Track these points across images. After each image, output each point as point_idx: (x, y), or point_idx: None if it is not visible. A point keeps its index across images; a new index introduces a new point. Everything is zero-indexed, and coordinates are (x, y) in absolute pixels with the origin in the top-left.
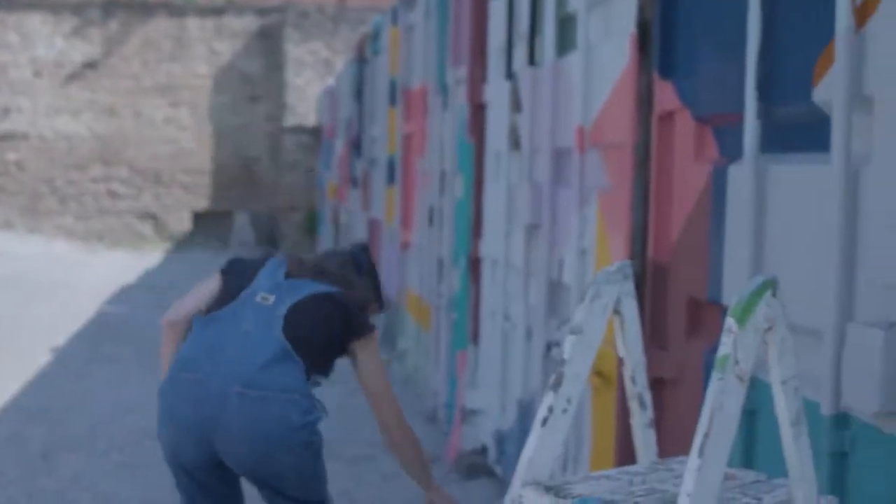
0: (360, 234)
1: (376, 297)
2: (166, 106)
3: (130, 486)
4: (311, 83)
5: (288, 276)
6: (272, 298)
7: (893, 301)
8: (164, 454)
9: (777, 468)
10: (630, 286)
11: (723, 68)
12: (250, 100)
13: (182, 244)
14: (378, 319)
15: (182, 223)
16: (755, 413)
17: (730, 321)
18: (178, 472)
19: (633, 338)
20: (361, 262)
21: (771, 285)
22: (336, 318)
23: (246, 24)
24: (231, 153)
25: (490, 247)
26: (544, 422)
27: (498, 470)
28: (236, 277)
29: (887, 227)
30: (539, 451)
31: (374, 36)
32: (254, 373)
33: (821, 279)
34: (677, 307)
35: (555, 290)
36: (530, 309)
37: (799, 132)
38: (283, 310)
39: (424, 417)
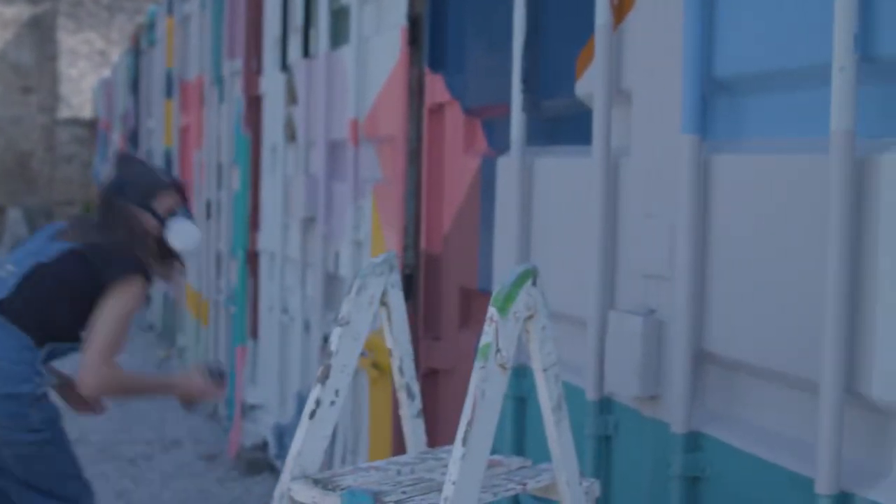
0: None
1: (136, 226)
2: None
3: None
4: (86, 74)
5: (56, 238)
6: (12, 269)
7: (651, 289)
8: None
9: (546, 454)
10: (396, 277)
11: (491, 62)
12: (23, 91)
13: None
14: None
15: None
16: (525, 400)
17: (491, 310)
18: None
19: (400, 329)
20: (112, 201)
21: (531, 274)
22: (77, 274)
23: (17, 12)
24: (3, 146)
25: (267, 240)
26: (312, 415)
27: (279, 464)
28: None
29: (645, 217)
30: (307, 444)
31: (150, 26)
32: None
33: (584, 268)
34: (450, 298)
35: (331, 282)
36: (308, 302)
37: (563, 125)
38: (13, 281)
39: (205, 415)
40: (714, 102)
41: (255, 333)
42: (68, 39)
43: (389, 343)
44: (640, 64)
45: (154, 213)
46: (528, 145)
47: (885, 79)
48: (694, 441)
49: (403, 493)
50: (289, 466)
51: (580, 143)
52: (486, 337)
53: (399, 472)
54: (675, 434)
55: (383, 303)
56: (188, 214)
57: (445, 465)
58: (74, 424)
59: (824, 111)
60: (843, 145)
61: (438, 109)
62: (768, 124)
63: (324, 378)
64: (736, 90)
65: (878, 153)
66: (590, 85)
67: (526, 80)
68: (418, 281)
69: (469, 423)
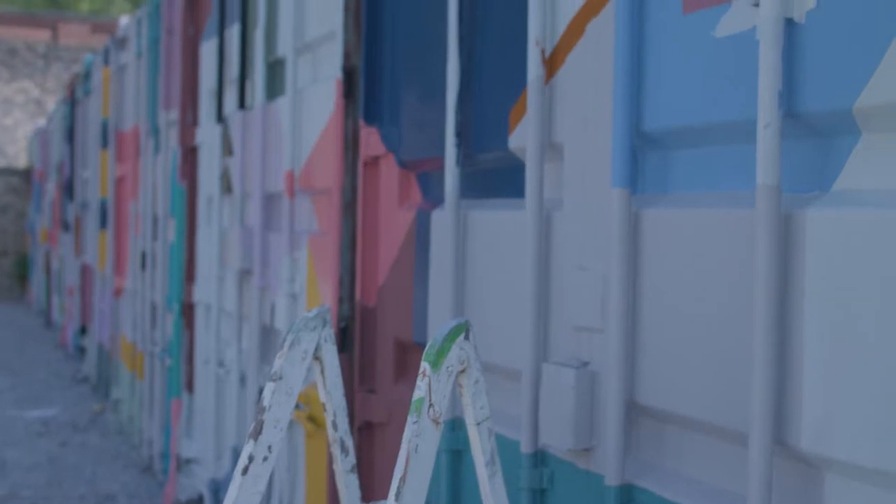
0: (72, 280)
1: None
2: None
3: None
4: (21, 123)
5: None
6: None
7: (584, 342)
8: None
9: None
10: (329, 332)
11: (425, 115)
12: None
13: None
14: None
15: None
16: (460, 453)
17: (424, 365)
18: None
19: (333, 383)
20: None
21: (463, 328)
22: None
23: None
24: None
25: (203, 292)
26: (245, 470)
27: None
28: None
29: (577, 269)
30: (241, 501)
31: (86, 76)
32: None
33: (518, 321)
34: (385, 350)
35: (267, 335)
36: (243, 355)
37: (497, 178)
38: None
39: (140, 468)
40: (644, 156)
41: (190, 386)
42: (3, 88)
43: (323, 397)
44: (572, 118)
45: None
46: (462, 198)
47: (809, 134)
48: (628, 493)
49: None
50: None
51: (514, 196)
52: (419, 391)
53: None
54: (609, 486)
55: (317, 357)
56: None
57: None
58: (5, 480)
59: (751, 166)
60: (768, 200)
61: (373, 162)
62: (697, 178)
63: (256, 434)
64: (665, 144)
65: (804, 208)
66: (522, 138)
67: (459, 134)
68: (353, 333)
69: (402, 479)
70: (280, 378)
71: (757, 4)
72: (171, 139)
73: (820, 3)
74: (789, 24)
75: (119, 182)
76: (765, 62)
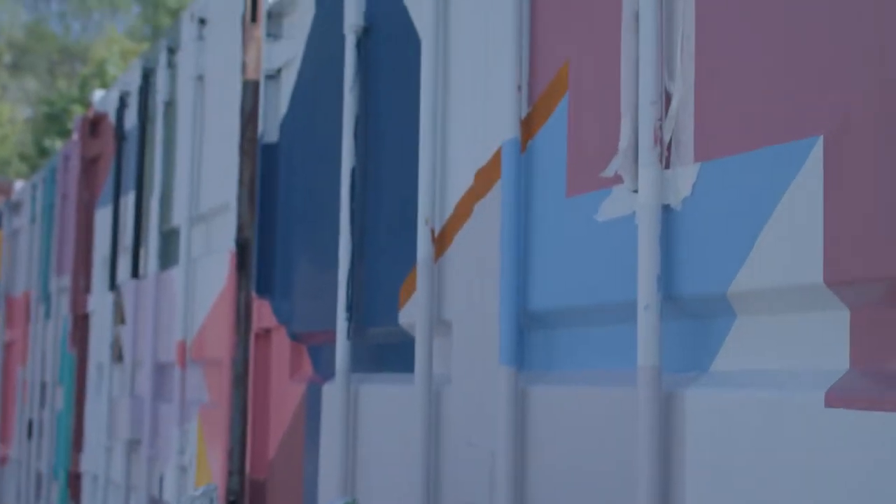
0: None
1: None
2: None
3: None
4: None
5: None
6: None
7: None
8: None
9: None
10: None
11: (317, 289)
12: None
13: None
14: None
15: None
16: None
17: None
18: None
19: None
20: None
21: None
22: None
23: None
24: None
25: (91, 462)
26: None
27: None
28: None
29: (466, 445)
30: None
31: None
32: None
33: (408, 495)
34: None
35: None
36: None
37: (388, 353)
38: None
39: None
40: (530, 334)
41: None
42: None
43: None
44: (460, 295)
45: None
46: (353, 372)
47: (687, 316)
48: None
49: None
50: None
51: (404, 371)
52: None
53: None
54: None
55: None
56: None
57: None
58: None
59: (633, 345)
60: (649, 381)
61: (265, 334)
62: (582, 357)
63: None
64: (550, 323)
65: (683, 388)
66: (412, 314)
67: (350, 308)
68: None
69: None
70: None
71: (636, 191)
72: (63, 306)
73: (695, 190)
74: (667, 210)
75: (7, 347)
76: (644, 246)
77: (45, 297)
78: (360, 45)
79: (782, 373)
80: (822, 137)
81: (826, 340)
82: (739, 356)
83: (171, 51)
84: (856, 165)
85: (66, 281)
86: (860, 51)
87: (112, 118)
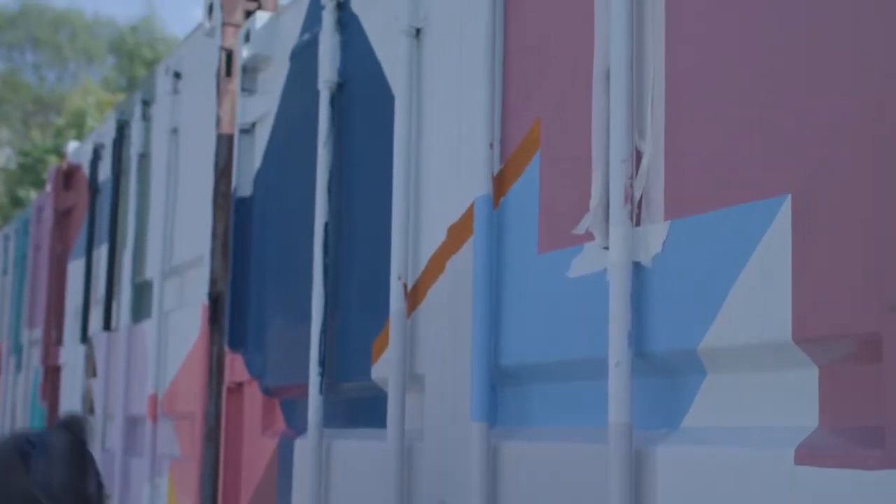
0: None
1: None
2: None
3: None
4: None
5: None
6: None
7: None
8: None
9: None
10: None
11: (290, 343)
12: None
13: None
14: None
15: None
16: None
17: None
18: None
19: None
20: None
21: None
22: None
23: None
24: None
25: None
26: None
27: None
28: None
29: (438, 501)
30: None
31: None
32: None
33: None
34: None
35: None
36: None
37: (360, 407)
38: None
39: None
40: (502, 390)
41: None
42: None
43: None
44: (433, 350)
45: None
46: (325, 427)
47: (658, 373)
48: None
49: None
50: None
51: (377, 426)
52: None
53: None
54: None
55: None
56: None
57: None
58: None
59: (604, 402)
60: (620, 438)
61: (237, 388)
62: (552, 413)
63: None
64: (522, 379)
65: (654, 445)
66: (385, 369)
67: (323, 363)
68: None
69: None
70: None
71: (607, 248)
72: (34, 358)
73: (665, 248)
74: (637, 267)
75: None
76: (614, 303)
77: (17, 350)
78: (333, 100)
79: (752, 430)
80: (790, 196)
81: (795, 397)
82: (710, 413)
83: (146, 103)
84: (824, 223)
85: (38, 333)
86: (828, 111)
87: (86, 170)
